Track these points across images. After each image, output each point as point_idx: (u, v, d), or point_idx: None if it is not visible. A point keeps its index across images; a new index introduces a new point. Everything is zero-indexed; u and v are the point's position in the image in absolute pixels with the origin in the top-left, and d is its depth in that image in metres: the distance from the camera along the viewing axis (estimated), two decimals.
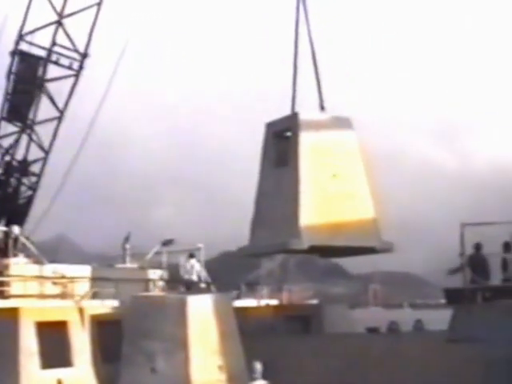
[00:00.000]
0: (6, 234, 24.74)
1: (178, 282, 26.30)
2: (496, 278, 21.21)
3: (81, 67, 25.69)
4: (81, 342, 20.81)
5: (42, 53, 25.47)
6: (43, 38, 25.26)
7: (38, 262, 24.26)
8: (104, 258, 33.59)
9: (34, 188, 26.31)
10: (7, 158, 26.09)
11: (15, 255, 24.45)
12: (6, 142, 26.06)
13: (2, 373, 19.35)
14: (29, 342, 19.76)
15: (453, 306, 21.24)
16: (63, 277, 23.48)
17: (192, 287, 24.80)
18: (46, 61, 25.30)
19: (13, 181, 26.13)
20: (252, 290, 45.93)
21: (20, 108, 25.77)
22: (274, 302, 37.64)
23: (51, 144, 25.84)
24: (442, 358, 19.76)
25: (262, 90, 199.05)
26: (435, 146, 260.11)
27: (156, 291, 25.17)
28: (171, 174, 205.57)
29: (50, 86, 25.65)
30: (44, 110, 25.64)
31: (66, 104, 25.72)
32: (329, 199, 21.20)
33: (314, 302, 42.54)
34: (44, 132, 25.70)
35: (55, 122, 25.79)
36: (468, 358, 19.20)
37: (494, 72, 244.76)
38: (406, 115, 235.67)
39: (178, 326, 20.14)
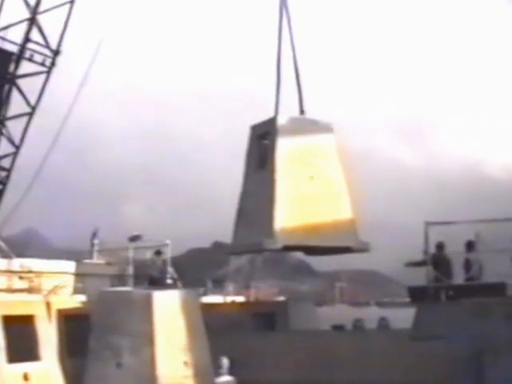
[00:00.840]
0: None
1: (144, 278, 26.32)
2: (459, 277, 21.57)
3: (53, 64, 25.61)
4: (48, 336, 20.73)
5: (15, 49, 25.40)
6: (17, 34, 25.21)
7: (5, 256, 24.21)
8: (73, 252, 33.49)
9: (3, 182, 26.19)
10: None
11: None
12: None
13: None
14: None
15: (417, 304, 21.54)
16: (31, 271, 23.47)
17: (157, 283, 24.82)
18: (19, 57, 25.23)
19: None
20: (219, 286, 46.02)
21: None
22: (240, 298, 37.84)
23: (22, 139, 25.80)
24: (406, 355, 20.06)
25: (243, 91, 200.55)
26: (402, 145, 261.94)
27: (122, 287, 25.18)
28: (144, 171, 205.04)
29: (23, 82, 25.59)
30: (16, 105, 25.58)
31: (38, 100, 25.69)
32: (305, 200, 21.51)
33: (281, 299, 42.68)
34: (16, 128, 25.67)
35: (26, 118, 25.75)
36: (431, 356, 19.56)
37: (461, 71, 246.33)
38: (374, 115, 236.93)
39: (143, 321, 20.21)
